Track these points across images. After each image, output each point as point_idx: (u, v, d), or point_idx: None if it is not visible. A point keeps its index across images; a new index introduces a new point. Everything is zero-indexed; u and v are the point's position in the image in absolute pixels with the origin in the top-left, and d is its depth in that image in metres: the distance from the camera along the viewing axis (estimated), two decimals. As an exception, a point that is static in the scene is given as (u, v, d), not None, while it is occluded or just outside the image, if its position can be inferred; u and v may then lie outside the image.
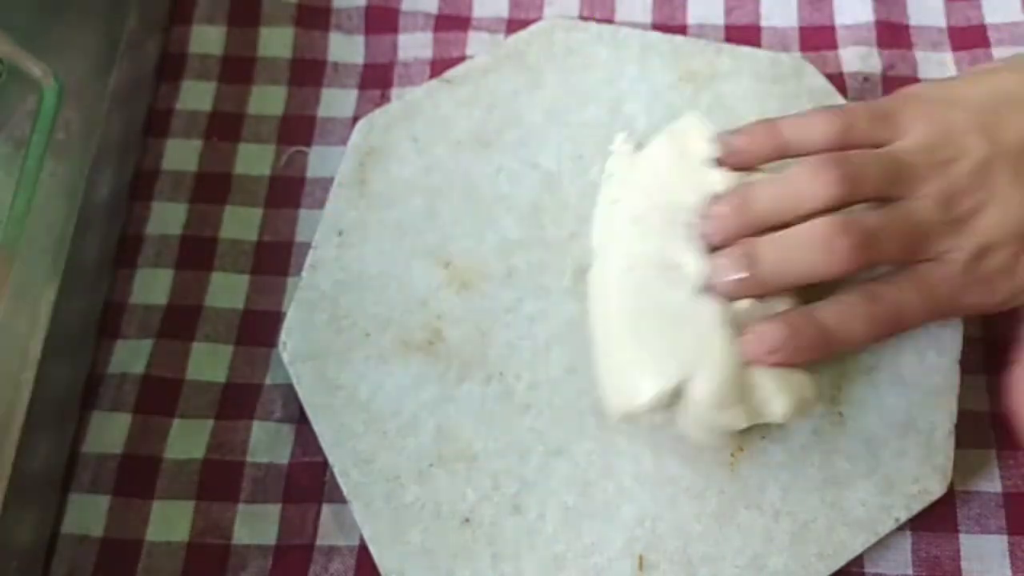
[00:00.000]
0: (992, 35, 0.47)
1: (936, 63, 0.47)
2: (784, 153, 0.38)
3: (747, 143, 0.38)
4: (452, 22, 0.48)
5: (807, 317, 0.36)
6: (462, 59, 0.47)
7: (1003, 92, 0.38)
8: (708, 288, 0.36)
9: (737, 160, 0.38)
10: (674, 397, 0.35)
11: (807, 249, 0.35)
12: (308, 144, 0.47)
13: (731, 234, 0.36)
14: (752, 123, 0.39)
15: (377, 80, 0.48)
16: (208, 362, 0.42)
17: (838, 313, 0.36)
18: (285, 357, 0.41)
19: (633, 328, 0.37)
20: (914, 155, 0.36)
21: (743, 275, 0.36)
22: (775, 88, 0.44)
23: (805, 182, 0.36)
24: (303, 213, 0.45)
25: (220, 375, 0.42)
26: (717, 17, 0.48)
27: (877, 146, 0.37)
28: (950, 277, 0.36)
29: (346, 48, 0.49)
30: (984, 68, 0.40)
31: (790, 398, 0.35)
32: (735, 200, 0.37)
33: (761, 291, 0.36)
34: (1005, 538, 0.38)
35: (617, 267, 0.38)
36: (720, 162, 0.38)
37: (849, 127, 0.37)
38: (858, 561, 0.38)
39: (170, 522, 0.40)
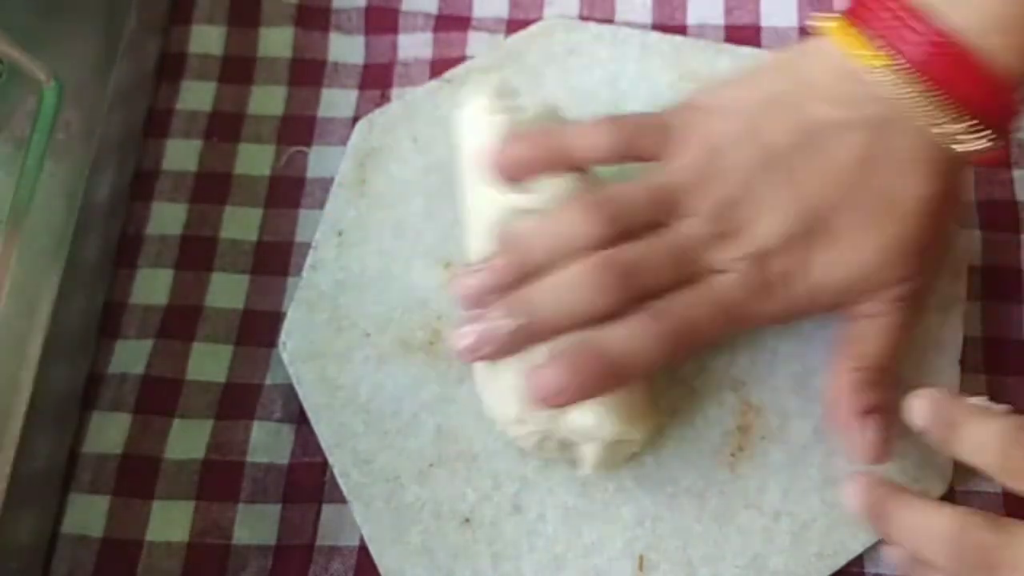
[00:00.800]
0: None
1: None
2: (567, 163, 0.38)
3: (525, 151, 0.38)
4: (452, 22, 0.48)
5: (589, 349, 0.35)
6: (462, 59, 0.47)
7: (769, 95, 0.37)
8: (484, 343, 0.35)
9: (513, 172, 0.37)
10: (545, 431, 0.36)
11: (577, 289, 0.35)
12: (308, 144, 0.47)
13: (512, 286, 0.36)
14: (535, 130, 0.38)
15: (377, 80, 0.48)
16: (208, 362, 0.42)
17: (623, 339, 0.35)
18: (285, 357, 0.41)
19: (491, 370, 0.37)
20: (683, 175, 0.36)
21: (522, 322, 0.35)
22: (775, 88, 0.44)
23: (576, 224, 0.36)
24: (303, 213, 0.45)
25: (220, 375, 0.42)
26: (717, 17, 0.48)
27: (658, 158, 0.37)
28: (734, 287, 0.36)
29: (346, 48, 0.49)
30: (754, 69, 0.39)
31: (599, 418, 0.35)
32: (511, 256, 0.36)
33: (540, 338, 0.35)
34: (1005, 538, 0.38)
35: None
36: (496, 173, 0.37)
37: (632, 140, 0.37)
38: (858, 561, 0.38)
39: (170, 522, 0.40)
